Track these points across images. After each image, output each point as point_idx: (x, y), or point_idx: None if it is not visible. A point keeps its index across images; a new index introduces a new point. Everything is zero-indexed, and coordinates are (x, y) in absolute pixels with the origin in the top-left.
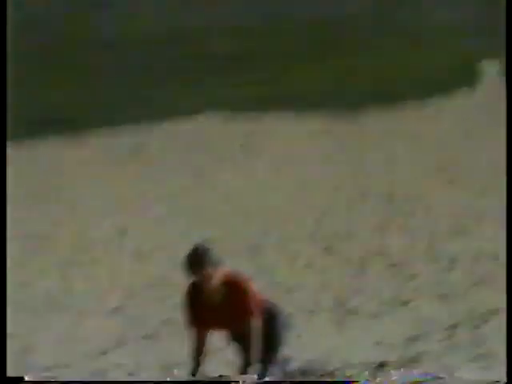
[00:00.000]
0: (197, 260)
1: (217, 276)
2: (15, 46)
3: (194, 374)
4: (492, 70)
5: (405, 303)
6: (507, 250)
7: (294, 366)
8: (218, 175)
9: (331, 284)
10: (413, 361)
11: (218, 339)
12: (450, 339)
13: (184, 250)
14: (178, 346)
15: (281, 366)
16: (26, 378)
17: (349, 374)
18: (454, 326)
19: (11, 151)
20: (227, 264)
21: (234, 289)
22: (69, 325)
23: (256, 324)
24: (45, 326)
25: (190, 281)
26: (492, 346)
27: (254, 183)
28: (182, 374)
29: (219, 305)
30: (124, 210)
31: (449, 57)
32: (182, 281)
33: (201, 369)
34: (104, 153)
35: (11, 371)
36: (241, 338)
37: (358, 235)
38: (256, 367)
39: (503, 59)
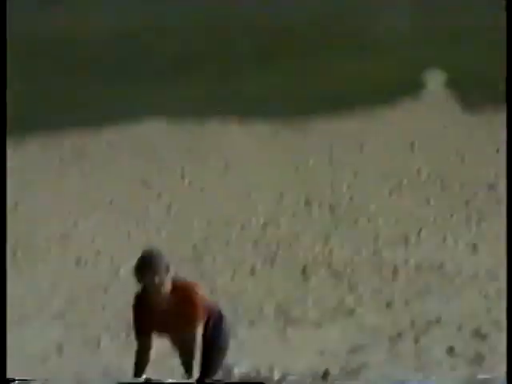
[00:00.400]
0: (147, 265)
1: (166, 282)
2: None
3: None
4: (436, 81)
5: (348, 312)
6: (507, 250)
7: (236, 373)
8: (161, 182)
9: (274, 292)
10: (356, 371)
11: (164, 345)
12: (393, 349)
13: (126, 257)
14: (119, 352)
15: (223, 373)
16: (17, 379)
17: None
18: (397, 336)
19: None
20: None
21: (182, 295)
22: (8, 331)
23: (199, 331)
24: None
25: (139, 287)
26: (434, 356)
27: (197, 190)
28: (123, 379)
29: (166, 311)
30: (65, 216)
31: (397, 65)
32: (122, 288)
33: (143, 375)
34: (45, 157)
35: None
36: (184, 345)
37: (302, 243)
38: (198, 373)
39: (450, 69)
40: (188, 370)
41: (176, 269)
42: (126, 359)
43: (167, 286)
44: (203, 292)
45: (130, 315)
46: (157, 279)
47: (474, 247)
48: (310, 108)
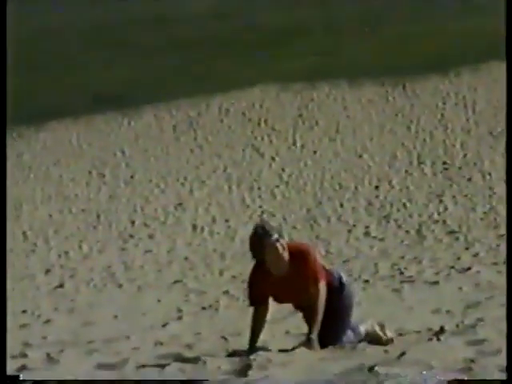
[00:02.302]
0: (260, 242)
1: (282, 252)
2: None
3: (251, 346)
4: None
5: (463, 270)
6: (507, 249)
7: (362, 331)
8: (272, 148)
9: (389, 252)
10: (471, 327)
11: (280, 310)
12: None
13: (241, 223)
14: (237, 317)
15: (349, 335)
16: (22, 377)
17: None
18: None
19: (71, 125)
20: (284, 235)
21: (299, 260)
22: (129, 299)
23: (322, 291)
24: (105, 300)
25: (255, 260)
26: None
27: (309, 154)
28: (240, 344)
29: (285, 278)
30: (180, 184)
31: (499, 23)
32: (239, 253)
33: (258, 341)
34: (159, 127)
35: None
36: (307, 307)
37: (416, 203)
38: (323, 336)
39: None
40: (312, 332)
41: (289, 233)
42: (243, 324)
43: (284, 256)
44: (319, 254)
45: (247, 279)
46: (271, 253)
47: None
48: (419, 68)
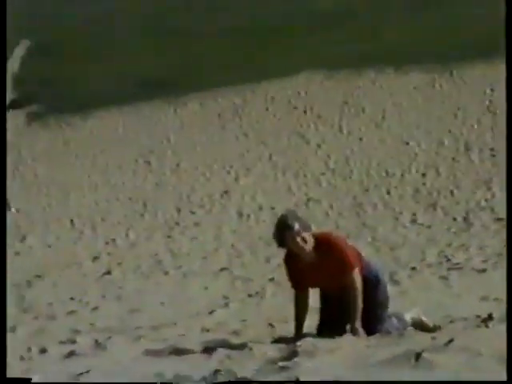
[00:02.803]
0: (283, 231)
1: (308, 241)
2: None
3: (297, 332)
4: None
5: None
6: (507, 247)
7: (408, 320)
8: (318, 135)
9: (436, 239)
10: None
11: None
12: None
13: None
14: (283, 304)
15: (394, 323)
16: (34, 380)
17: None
18: None
19: (117, 113)
20: (330, 223)
21: (328, 247)
22: (175, 286)
23: (357, 277)
24: (152, 287)
25: (286, 249)
26: None
27: (355, 141)
28: (286, 331)
29: (317, 265)
30: (226, 172)
31: None
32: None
33: (303, 327)
34: (205, 114)
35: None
36: (344, 293)
37: (463, 189)
38: (362, 323)
39: None
40: (351, 319)
41: (335, 221)
42: (290, 310)
43: (309, 244)
44: (349, 244)
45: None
46: (292, 245)
47: None
48: (467, 54)
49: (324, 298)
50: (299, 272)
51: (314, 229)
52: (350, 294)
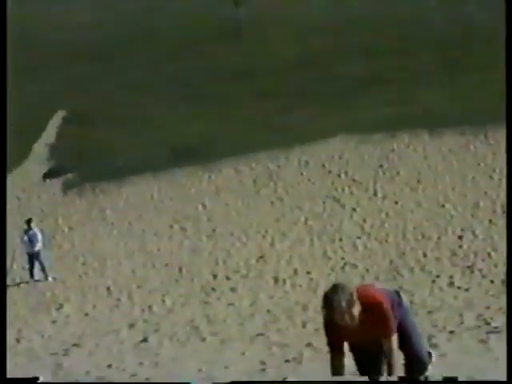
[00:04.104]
0: (331, 305)
1: (353, 311)
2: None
3: None
4: None
5: None
6: (507, 250)
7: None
8: (353, 199)
9: (474, 303)
10: None
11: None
12: None
13: (323, 274)
14: (320, 369)
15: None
16: (41, 379)
17: None
18: None
19: (152, 179)
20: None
21: (371, 315)
22: (212, 352)
23: (394, 344)
24: (189, 354)
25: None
26: None
27: (390, 204)
28: None
29: (357, 330)
30: (261, 236)
31: None
32: (320, 305)
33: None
34: (239, 180)
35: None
36: (380, 357)
37: (500, 252)
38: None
39: None
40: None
41: (374, 283)
42: (327, 375)
43: (352, 317)
44: (387, 301)
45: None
46: (343, 319)
47: None
48: (500, 116)
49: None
50: (339, 335)
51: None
52: (388, 358)
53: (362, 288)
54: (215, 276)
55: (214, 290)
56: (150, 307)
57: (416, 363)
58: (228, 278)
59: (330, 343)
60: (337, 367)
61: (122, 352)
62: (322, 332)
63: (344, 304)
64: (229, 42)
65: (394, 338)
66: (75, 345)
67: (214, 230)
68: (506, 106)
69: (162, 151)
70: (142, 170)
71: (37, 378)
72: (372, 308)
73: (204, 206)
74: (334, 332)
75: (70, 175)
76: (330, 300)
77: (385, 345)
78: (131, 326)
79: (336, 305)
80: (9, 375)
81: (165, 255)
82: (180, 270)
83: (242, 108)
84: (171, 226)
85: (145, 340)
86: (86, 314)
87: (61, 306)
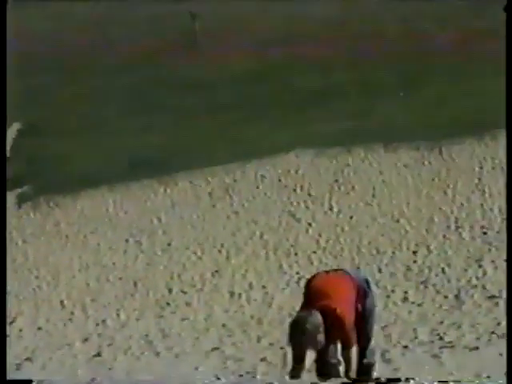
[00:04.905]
0: (297, 340)
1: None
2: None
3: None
4: None
5: (504, 335)
6: (507, 249)
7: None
8: (309, 213)
9: (428, 317)
10: None
11: None
12: None
13: (278, 289)
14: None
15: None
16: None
17: None
18: None
19: (107, 192)
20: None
21: (331, 325)
22: (166, 366)
23: (354, 357)
24: (143, 368)
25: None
26: None
27: (345, 219)
28: None
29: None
30: (217, 251)
31: None
32: (276, 319)
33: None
34: (195, 193)
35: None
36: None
37: (454, 267)
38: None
39: None
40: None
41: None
42: None
43: (321, 341)
44: (348, 309)
45: (285, 346)
46: (308, 350)
47: None
48: (454, 132)
49: None
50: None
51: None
52: (347, 369)
53: (321, 288)
54: (170, 290)
55: (168, 304)
56: (103, 321)
57: (365, 350)
58: (183, 292)
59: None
60: (297, 372)
61: (75, 366)
62: (278, 346)
63: (309, 337)
64: (187, 54)
65: (354, 354)
66: (28, 359)
67: (169, 244)
68: (506, 110)
69: (118, 163)
70: (97, 182)
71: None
72: (332, 321)
73: (159, 220)
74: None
75: (24, 188)
76: (294, 335)
77: (345, 354)
78: (85, 339)
79: (309, 346)
80: None
81: (119, 269)
82: (135, 283)
83: (199, 120)
84: (126, 240)
85: (98, 354)
86: (39, 328)
87: (13, 320)
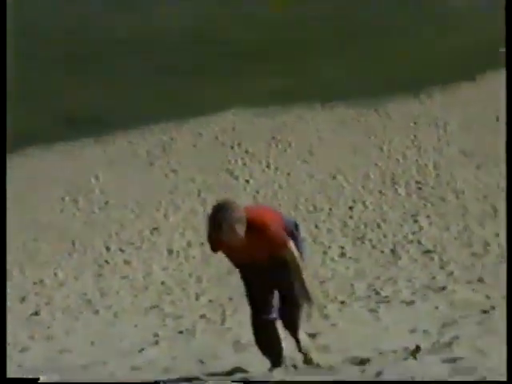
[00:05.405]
0: (218, 223)
1: (240, 230)
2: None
3: None
4: None
5: (439, 289)
6: (507, 248)
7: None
8: (246, 171)
9: (365, 273)
10: (447, 345)
11: None
12: (485, 323)
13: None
14: (213, 340)
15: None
16: (42, 380)
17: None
18: (490, 309)
19: (45, 150)
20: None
21: (257, 233)
22: (105, 324)
23: (292, 250)
24: (81, 327)
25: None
26: None
27: (283, 176)
28: (217, 367)
29: (248, 245)
30: (155, 209)
31: (474, 42)
32: (215, 276)
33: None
34: (133, 152)
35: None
36: (275, 263)
37: (390, 223)
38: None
39: None
40: (306, 297)
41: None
42: (220, 347)
43: (238, 237)
44: (276, 217)
45: (223, 303)
46: (228, 235)
47: None
48: (391, 89)
49: (250, 277)
50: (223, 248)
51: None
52: (292, 266)
53: (251, 208)
54: (108, 248)
55: (107, 262)
56: (41, 280)
57: (295, 298)
58: (121, 251)
59: (211, 245)
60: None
61: (13, 326)
62: (217, 303)
63: (232, 222)
64: (126, 15)
65: (291, 248)
66: None
67: (106, 203)
68: (506, 104)
69: (56, 122)
70: (35, 140)
71: (37, 379)
72: (257, 227)
73: (97, 178)
74: (218, 243)
75: None
76: (216, 219)
77: (285, 256)
78: (22, 299)
79: (224, 224)
80: None
81: (57, 227)
82: (72, 242)
83: (138, 80)
84: (63, 199)
85: (36, 313)
86: None
87: None
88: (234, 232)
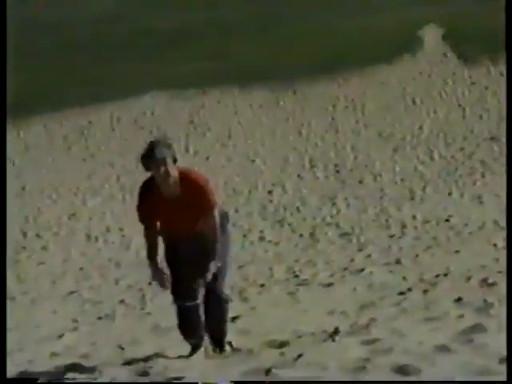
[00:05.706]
0: (154, 155)
1: (174, 171)
2: None
3: (152, 259)
4: (434, 37)
5: (357, 271)
6: (507, 247)
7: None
8: None
9: (284, 256)
10: (365, 327)
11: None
12: (402, 304)
13: (136, 231)
14: (133, 326)
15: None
16: (40, 380)
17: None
18: (407, 291)
19: None
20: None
21: (194, 190)
22: (22, 311)
23: (217, 218)
24: None
25: (147, 175)
26: (441, 309)
27: (201, 160)
28: (137, 353)
29: (177, 202)
30: (73, 194)
31: (394, 24)
32: (134, 261)
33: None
34: (49, 136)
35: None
36: (199, 239)
37: (309, 206)
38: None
39: (447, 24)
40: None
41: None
42: (140, 332)
43: (170, 180)
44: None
45: (143, 287)
46: (156, 174)
47: (480, 199)
48: (309, 72)
49: (173, 251)
50: (154, 206)
51: None
52: (209, 234)
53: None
54: (25, 234)
55: (24, 248)
56: None
57: (217, 296)
58: (39, 236)
59: (141, 214)
60: (151, 238)
61: None
62: (136, 288)
63: (162, 155)
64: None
65: (216, 215)
66: None
67: (23, 188)
68: (507, 104)
69: None
70: None
71: (36, 379)
72: (196, 183)
73: (13, 163)
74: (149, 200)
75: None
76: (146, 153)
77: (207, 220)
78: None
79: (153, 158)
80: None
81: None
82: None
83: (52, 62)
84: None
85: None
86: None
87: None
88: (170, 169)
